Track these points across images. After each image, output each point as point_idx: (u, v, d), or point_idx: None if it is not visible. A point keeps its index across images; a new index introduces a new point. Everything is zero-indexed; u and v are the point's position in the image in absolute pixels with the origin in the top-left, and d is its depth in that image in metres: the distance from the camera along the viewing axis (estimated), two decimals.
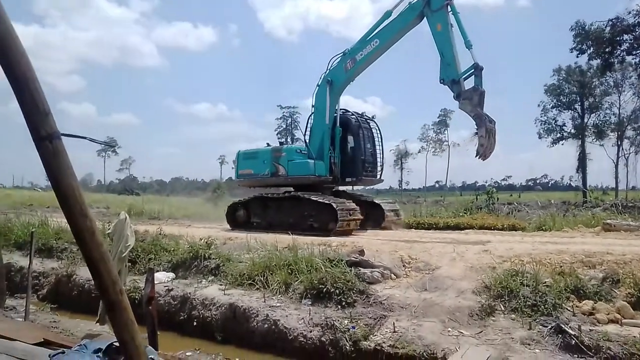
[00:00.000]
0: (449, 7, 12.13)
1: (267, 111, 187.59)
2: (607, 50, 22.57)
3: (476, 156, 12.13)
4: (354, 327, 5.98)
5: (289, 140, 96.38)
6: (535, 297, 6.15)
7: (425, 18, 12.60)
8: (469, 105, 11.91)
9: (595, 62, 27.73)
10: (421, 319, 6.05)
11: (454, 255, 8.17)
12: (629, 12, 22.61)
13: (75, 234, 1.87)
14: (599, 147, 40.45)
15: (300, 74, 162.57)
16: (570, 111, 40.18)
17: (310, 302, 6.81)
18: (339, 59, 14.11)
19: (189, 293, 7.87)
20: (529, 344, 5.34)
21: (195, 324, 7.40)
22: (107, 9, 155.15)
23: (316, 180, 13.94)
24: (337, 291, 6.70)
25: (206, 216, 21.97)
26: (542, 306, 5.99)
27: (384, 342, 5.69)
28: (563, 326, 5.40)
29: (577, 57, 28.90)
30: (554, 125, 40.63)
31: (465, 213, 18.76)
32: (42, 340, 4.30)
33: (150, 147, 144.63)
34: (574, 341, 5.17)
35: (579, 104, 39.56)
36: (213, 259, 8.89)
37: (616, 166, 40.74)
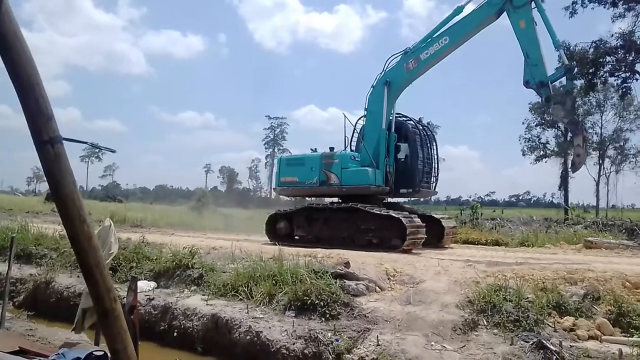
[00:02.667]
0: (533, 2, 11.27)
1: (254, 121, 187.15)
2: (590, 71, 23.12)
3: (571, 168, 11.62)
4: (337, 340, 5.94)
5: (276, 150, 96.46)
6: (517, 312, 6.19)
7: (505, 14, 11.63)
8: (561, 111, 11.30)
9: (579, 82, 28.39)
10: (405, 333, 6.05)
11: (438, 269, 8.20)
12: (612, 35, 23.23)
13: (72, 239, 1.85)
14: None
15: (288, 85, 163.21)
16: (553, 129, 41.03)
17: (294, 314, 6.76)
18: (399, 58, 12.91)
19: (171, 303, 7.76)
20: (510, 359, 5.36)
21: (175, 334, 7.29)
22: (95, 15, 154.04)
23: (375, 191, 12.70)
24: (322, 303, 6.66)
25: (190, 225, 21.77)
26: (524, 321, 6.03)
27: (367, 356, 5.67)
28: (544, 342, 5.45)
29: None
30: (537, 143, 41.42)
31: None
32: (18, 348, 4.18)
33: (135, 154, 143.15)
34: (555, 357, 5.22)
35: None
36: (196, 268, 8.78)
37: (597, 185, 41.73)
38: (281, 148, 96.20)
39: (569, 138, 40.34)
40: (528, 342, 5.60)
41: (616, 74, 24.31)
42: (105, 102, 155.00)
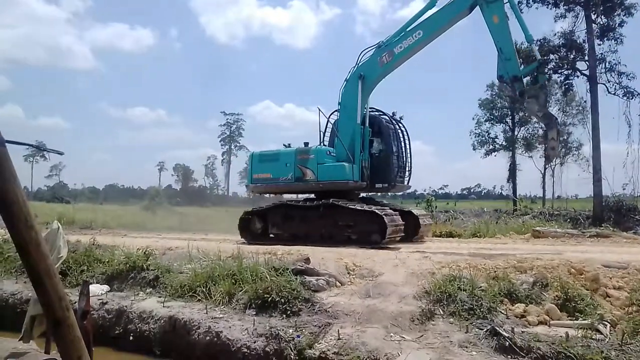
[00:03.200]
0: None
1: (209, 117, 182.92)
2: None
3: (546, 161, 11.80)
4: (299, 336, 5.94)
5: (232, 147, 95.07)
6: (471, 301, 6.41)
7: (477, 9, 11.70)
8: (536, 105, 11.34)
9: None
10: (365, 325, 6.13)
11: (396, 261, 8.36)
12: (555, 34, 24.39)
13: (19, 247, 1.73)
14: (528, 158, 43.31)
15: (244, 80, 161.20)
16: (502, 124, 42.72)
17: (254, 312, 6.70)
18: (372, 52, 12.83)
19: (125, 306, 7.50)
20: (466, 347, 5.54)
21: (132, 338, 7.06)
22: (36, 6, 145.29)
23: (353, 186, 12.59)
24: (283, 300, 6.64)
25: (143, 225, 21.13)
26: (478, 310, 6.25)
27: (328, 350, 5.70)
28: (498, 329, 5.67)
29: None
30: (487, 138, 42.95)
31: None
32: None
33: (83, 153, 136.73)
34: (507, 343, 5.41)
35: (510, 117, 42.15)
36: (151, 270, 8.54)
37: (543, 177, 43.71)
38: (238, 145, 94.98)
39: (516, 133, 42.35)
40: (482, 329, 5.81)
41: (559, 71, 25.59)
42: (49, 99, 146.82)
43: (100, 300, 7.74)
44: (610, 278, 7.18)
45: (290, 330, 6.07)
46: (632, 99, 24.56)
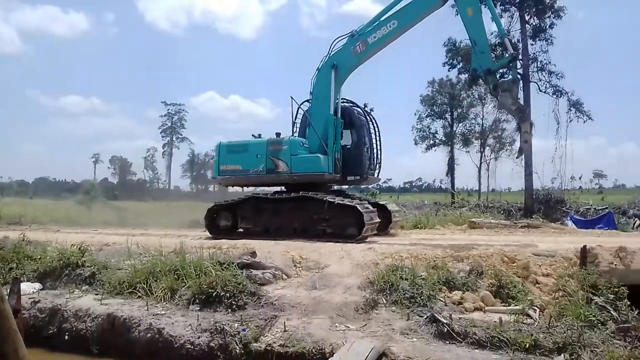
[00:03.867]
0: None
1: (149, 107, 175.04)
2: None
3: (520, 154, 11.74)
4: (244, 330, 5.91)
5: (174, 139, 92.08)
6: (412, 289, 6.65)
7: (450, 1, 11.80)
8: (509, 98, 11.33)
9: (464, 77, 30.82)
10: (311, 317, 6.20)
11: (342, 253, 8.50)
12: (491, 34, 25.60)
13: None
14: (465, 153, 45.30)
15: (186, 70, 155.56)
16: (441, 120, 44.34)
17: (198, 308, 6.58)
18: (346, 40, 12.48)
19: (59, 305, 7.13)
20: (407, 334, 5.75)
21: (67, 337, 6.74)
22: None
23: (328, 179, 12.25)
24: (228, 294, 6.56)
25: (77, 220, 20.05)
26: (419, 298, 6.49)
27: (274, 342, 5.71)
28: (437, 315, 5.91)
29: (449, 71, 32.14)
30: (427, 133, 44.37)
31: None
32: None
33: (10, 144, 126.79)
34: (446, 329, 5.66)
35: (449, 114, 43.83)
36: (87, 266, 8.17)
37: (479, 170, 45.88)
38: (180, 136, 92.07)
39: (455, 129, 44.10)
40: (422, 316, 6.04)
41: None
42: None
43: (32, 299, 7.31)
44: (540, 266, 7.69)
45: (236, 325, 6.02)
46: (560, 97, 26.32)
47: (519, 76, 11.13)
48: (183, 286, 7.03)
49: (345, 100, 13.36)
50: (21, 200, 36.01)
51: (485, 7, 11.78)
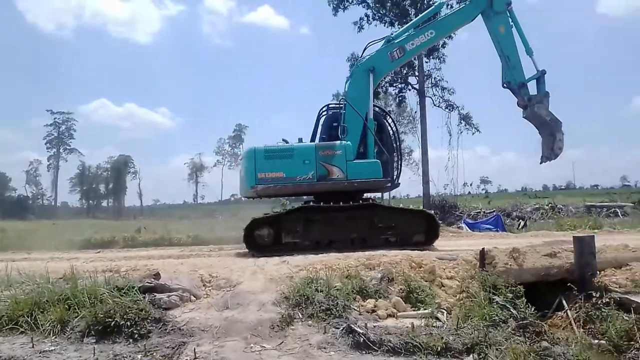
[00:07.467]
0: (508, 11, 12.03)
1: (31, 116, 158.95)
2: None
3: (546, 161, 11.77)
4: None
5: (61, 151, 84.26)
6: (328, 301, 6.55)
7: (481, 17, 12.26)
8: (544, 110, 11.74)
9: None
10: (223, 340, 5.82)
11: (254, 268, 8.19)
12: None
13: None
14: None
15: (74, 75, 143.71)
16: None
17: (94, 340, 5.84)
18: (382, 46, 12.53)
19: None
20: (325, 348, 5.62)
21: None
22: None
23: (384, 185, 11.94)
24: (129, 323, 5.90)
25: None
26: (334, 309, 6.40)
27: None
28: (353, 326, 5.85)
29: None
30: None
31: None
32: None
33: None
34: (362, 339, 5.61)
35: None
36: None
37: None
38: (68, 147, 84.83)
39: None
40: (339, 328, 5.96)
41: (394, 84, 28.49)
42: None
43: None
44: (444, 269, 8.09)
45: (139, 356, 5.43)
46: (452, 111, 28.63)
47: (547, 90, 12.08)
48: (75, 317, 6.22)
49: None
50: None
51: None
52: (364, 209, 11.32)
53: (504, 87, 12.43)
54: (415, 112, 30.37)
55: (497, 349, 5.34)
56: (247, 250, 11.04)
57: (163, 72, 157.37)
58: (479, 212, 26.44)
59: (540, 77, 12.13)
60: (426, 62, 27.79)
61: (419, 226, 11.13)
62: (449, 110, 28.55)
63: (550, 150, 12.05)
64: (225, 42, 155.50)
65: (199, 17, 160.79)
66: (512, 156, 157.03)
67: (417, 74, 27.61)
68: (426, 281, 7.66)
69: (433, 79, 28.43)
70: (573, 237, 8.34)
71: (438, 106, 28.52)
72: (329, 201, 11.16)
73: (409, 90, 28.65)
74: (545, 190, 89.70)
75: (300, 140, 12.07)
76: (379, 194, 14.94)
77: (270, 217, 11.45)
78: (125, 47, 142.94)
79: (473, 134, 29.12)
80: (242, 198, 14.81)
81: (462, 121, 28.79)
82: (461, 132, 28.73)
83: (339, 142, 11.68)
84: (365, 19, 27.72)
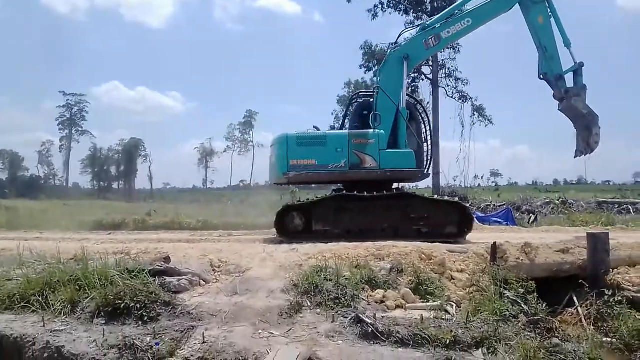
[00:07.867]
0: (547, 1, 11.83)
1: (45, 98, 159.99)
2: None
3: (582, 155, 11.63)
4: (158, 344, 5.39)
5: (73, 132, 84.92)
6: (337, 290, 6.54)
7: (519, 7, 11.95)
8: (581, 103, 11.53)
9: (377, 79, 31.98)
10: (232, 325, 5.84)
11: (264, 255, 8.20)
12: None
13: None
14: None
15: (87, 57, 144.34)
16: None
17: (104, 322, 5.90)
18: (416, 33, 12.35)
19: None
20: (333, 337, 5.61)
21: None
22: None
23: (418, 175, 11.86)
24: (138, 305, 5.95)
25: None
26: (343, 298, 6.39)
27: (192, 356, 5.27)
28: (361, 316, 5.84)
29: (365, 73, 33.23)
30: None
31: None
32: None
33: None
34: (370, 329, 5.60)
35: None
36: None
37: None
38: (80, 129, 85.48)
39: None
40: (347, 317, 5.94)
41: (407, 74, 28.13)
42: None
43: None
44: (454, 262, 8.02)
45: (148, 339, 5.48)
46: (465, 102, 28.29)
47: (585, 83, 11.77)
48: (86, 298, 6.28)
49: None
50: None
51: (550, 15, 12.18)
52: (397, 199, 11.25)
53: (540, 78, 12.11)
54: (428, 102, 30.10)
55: (506, 344, 5.29)
56: (255, 236, 11.07)
57: (175, 56, 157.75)
58: (489, 205, 26.22)
59: (577, 70, 11.80)
60: (440, 52, 27.40)
61: (453, 218, 11.04)
62: (462, 101, 28.28)
63: (586, 144, 11.79)
64: (238, 27, 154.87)
65: (212, 1, 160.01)
66: (525, 149, 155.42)
67: (431, 63, 27.26)
68: (436, 273, 7.61)
69: (447, 69, 28.09)
70: (587, 233, 8.23)
71: (451, 97, 28.25)
72: (359, 190, 10.99)
73: (422, 80, 28.36)
74: (556, 185, 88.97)
75: (315, 128, 11.96)
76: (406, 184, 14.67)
77: (303, 204, 11.47)
78: (138, 30, 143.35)
79: (486, 125, 28.83)
80: (272, 184, 14.50)
81: (475, 112, 28.50)
82: (474, 124, 28.49)
83: (372, 130, 11.48)
84: (380, 6, 27.35)
